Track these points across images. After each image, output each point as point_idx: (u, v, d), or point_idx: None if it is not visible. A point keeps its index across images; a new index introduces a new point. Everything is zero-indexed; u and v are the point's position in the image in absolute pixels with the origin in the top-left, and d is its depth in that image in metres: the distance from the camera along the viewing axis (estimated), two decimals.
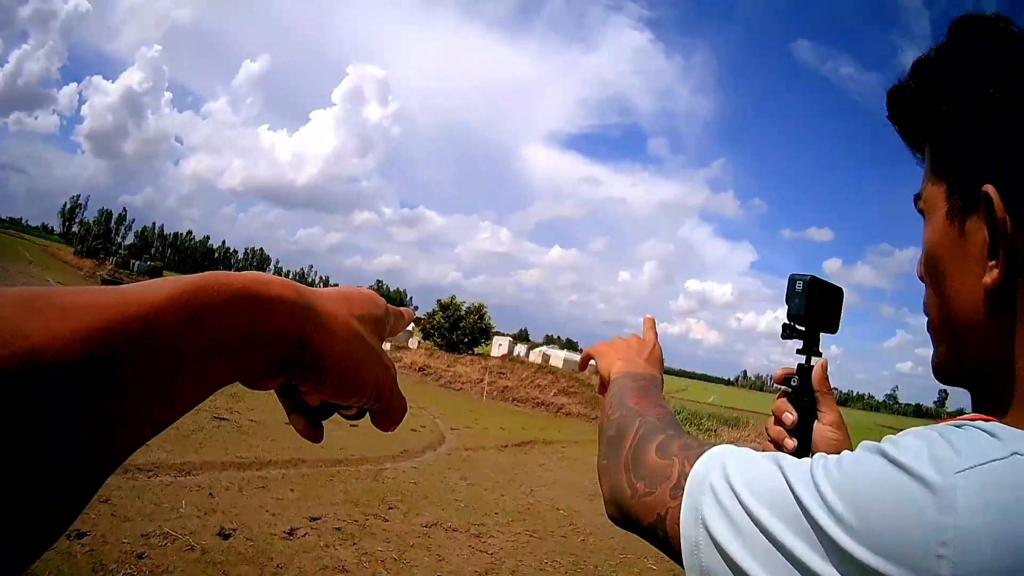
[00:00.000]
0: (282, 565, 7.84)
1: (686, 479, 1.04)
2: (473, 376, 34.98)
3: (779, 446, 1.56)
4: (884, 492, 0.79)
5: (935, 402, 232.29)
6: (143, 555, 7.41)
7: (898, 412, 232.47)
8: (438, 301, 44.23)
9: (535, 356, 42.58)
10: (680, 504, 1.01)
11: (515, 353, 43.15)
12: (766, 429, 1.65)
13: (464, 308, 43.55)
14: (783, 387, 1.63)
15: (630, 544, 10.95)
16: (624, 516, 1.18)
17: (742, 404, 53.83)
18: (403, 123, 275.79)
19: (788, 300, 1.55)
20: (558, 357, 41.51)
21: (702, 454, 1.07)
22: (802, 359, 1.59)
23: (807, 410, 1.56)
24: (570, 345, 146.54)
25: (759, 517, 0.87)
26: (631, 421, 1.32)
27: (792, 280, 1.54)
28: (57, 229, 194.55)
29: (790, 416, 1.55)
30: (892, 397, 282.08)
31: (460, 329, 42.08)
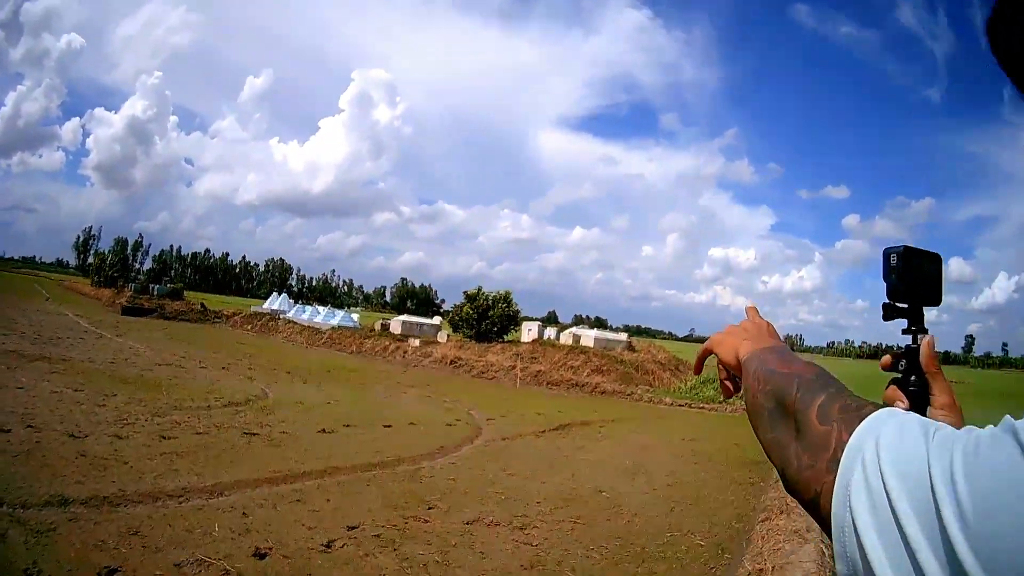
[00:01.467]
0: None
1: (843, 450, 0.93)
2: (505, 364, 34.77)
3: None
4: (1015, 499, 0.67)
5: (962, 347, 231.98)
6: None
7: None
8: (465, 293, 43.99)
9: (565, 338, 41.96)
10: (834, 479, 0.91)
11: (545, 336, 42.57)
12: None
13: (491, 297, 43.17)
14: (891, 373, 1.41)
15: (675, 521, 10.84)
16: (791, 491, 1.08)
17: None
18: (413, 122, 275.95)
19: (886, 277, 1.37)
20: (588, 336, 40.90)
21: (862, 419, 0.95)
22: (907, 339, 1.38)
23: (918, 395, 1.34)
24: (599, 323, 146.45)
25: (896, 502, 0.78)
26: (787, 384, 1.22)
27: (886, 255, 1.36)
28: (72, 263, 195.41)
29: (902, 405, 1.31)
30: None
31: (488, 318, 41.72)
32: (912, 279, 1.36)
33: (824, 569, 8.49)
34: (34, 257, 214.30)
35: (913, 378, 1.34)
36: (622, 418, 23.27)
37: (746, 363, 1.46)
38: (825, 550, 8.92)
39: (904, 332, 1.37)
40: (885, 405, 1.10)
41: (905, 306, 1.37)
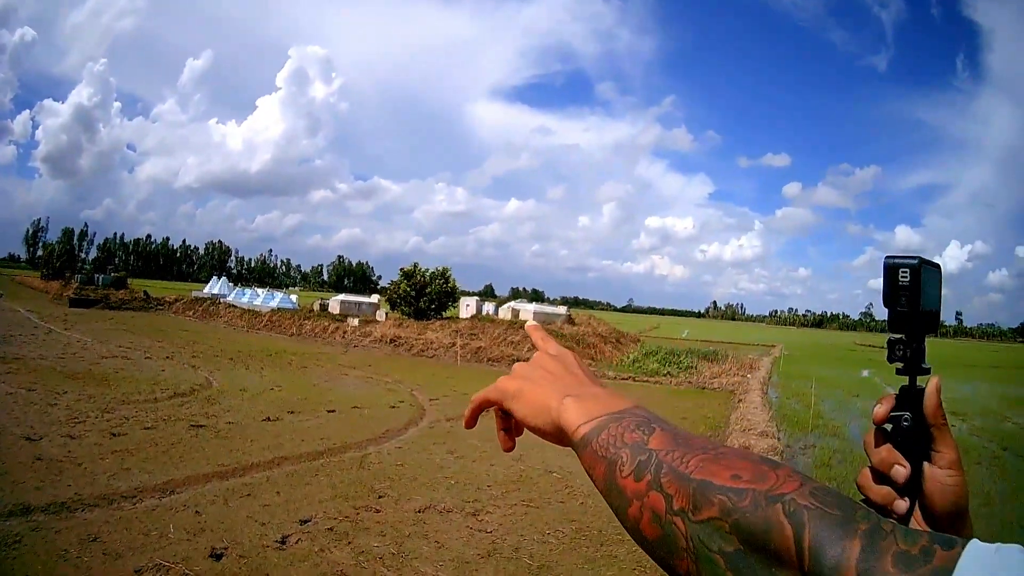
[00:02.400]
0: None
1: None
2: (445, 341, 34.71)
3: (882, 509, 1.02)
4: None
5: None
6: None
7: (875, 329, 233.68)
8: (401, 269, 43.88)
9: (504, 312, 42.21)
10: None
11: (484, 312, 42.98)
12: (858, 484, 1.08)
13: (428, 273, 43.04)
14: (885, 426, 1.06)
15: None
16: None
17: (716, 336, 53.80)
18: (349, 98, 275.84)
19: (890, 299, 1.00)
20: (527, 311, 41.37)
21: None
22: (902, 381, 1.03)
23: (917, 451, 1.03)
24: (536, 296, 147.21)
25: None
26: (763, 512, 0.76)
27: (891, 270, 0.98)
28: (24, 256, 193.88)
29: (903, 471, 1.01)
30: (868, 315, 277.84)
31: (427, 295, 41.65)
32: (921, 302, 0.99)
33: None
34: None
35: (906, 426, 1.02)
36: None
37: (589, 442, 1.10)
38: None
39: (900, 371, 1.02)
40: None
41: (905, 336, 1.02)
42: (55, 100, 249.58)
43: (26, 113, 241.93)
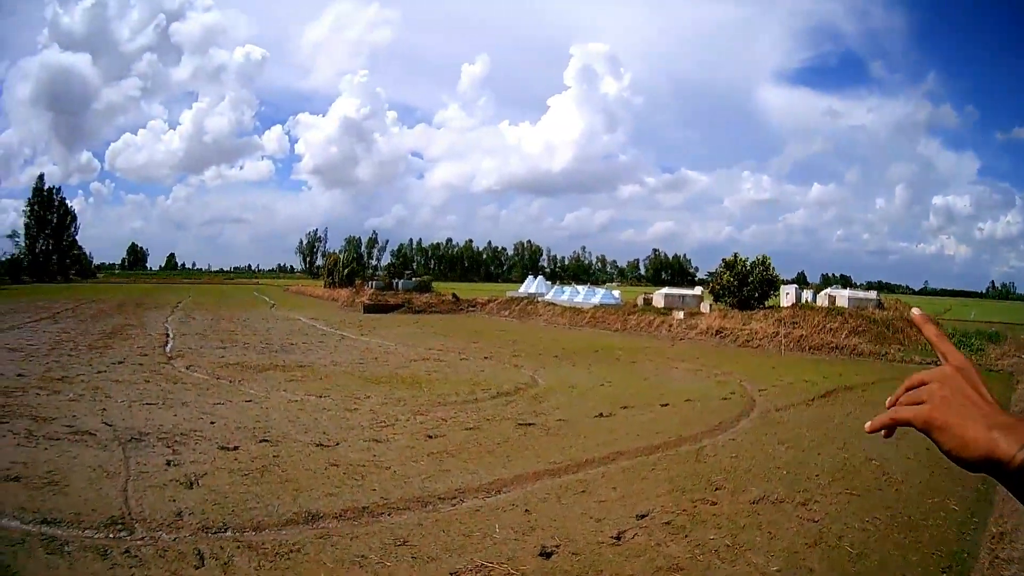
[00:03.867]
0: None
1: None
2: (768, 331, 34.03)
3: None
4: None
5: None
6: None
7: None
8: (723, 260, 42.54)
9: (821, 299, 40.76)
10: None
11: (802, 300, 41.47)
12: None
13: (748, 263, 41.58)
14: None
15: (935, 487, 10.53)
16: None
17: (998, 316, 50.40)
18: (642, 91, 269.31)
19: None
20: (843, 297, 39.87)
21: None
22: None
23: None
24: (845, 281, 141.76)
25: None
26: None
27: None
28: (297, 267, 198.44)
29: None
30: None
31: (748, 284, 40.30)
32: None
33: None
34: (248, 266, 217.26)
35: None
36: (880, 380, 22.28)
37: None
38: None
39: None
40: None
41: None
42: (311, 114, 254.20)
43: (277, 128, 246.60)
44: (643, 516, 8.93)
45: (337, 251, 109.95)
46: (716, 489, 10.17)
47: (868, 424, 1.55)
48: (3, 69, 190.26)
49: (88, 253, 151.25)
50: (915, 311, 1.64)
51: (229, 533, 8.03)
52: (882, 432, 1.47)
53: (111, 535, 7.80)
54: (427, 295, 60.52)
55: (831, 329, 32.80)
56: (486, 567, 7.38)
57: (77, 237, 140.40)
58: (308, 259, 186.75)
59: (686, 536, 8.31)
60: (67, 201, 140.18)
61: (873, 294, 41.88)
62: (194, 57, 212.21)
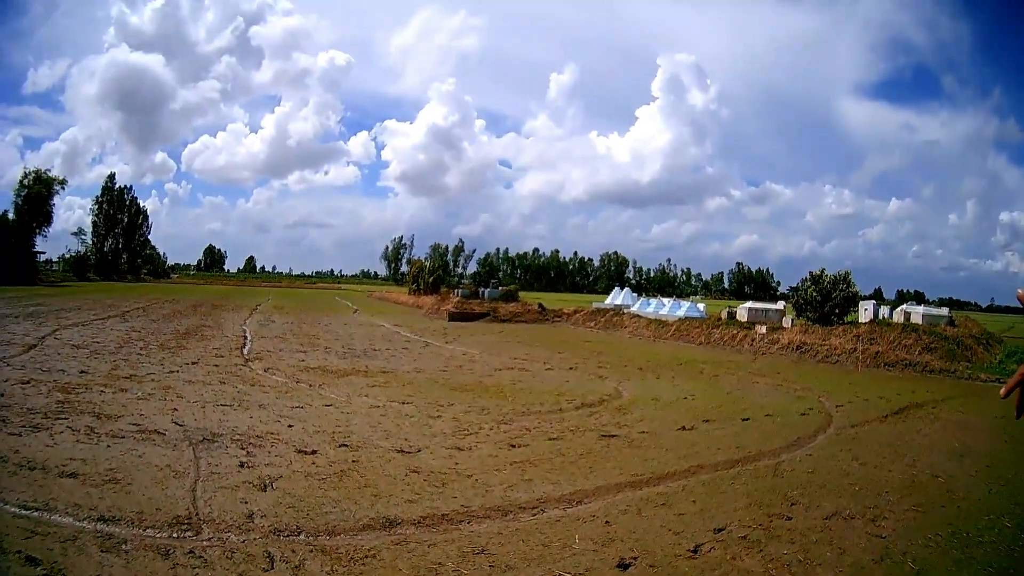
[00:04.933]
0: None
1: None
2: (847, 346, 33.81)
3: None
4: None
5: None
6: None
7: None
8: (810, 273, 42.04)
9: (897, 315, 40.37)
10: None
11: (880, 316, 40.95)
12: None
13: (830, 278, 40.90)
14: None
15: (992, 503, 10.66)
16: None
17: None
18: (728, 103, 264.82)
19: None
20: (917, 313, 39.37)
21: None
22: None
23: None
24: (918, 298, 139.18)
25: None
26: None
27: None
28: (382, 273, 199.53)
29: None
30: None
31: (831, 300, 39.68)
32: None
33: None
34: (331, 270, 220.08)
35: None
36: (949, 398, 22.20)
37: None
38: None
39: None
40: None
41: None
42: (399, 120, 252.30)
43: (363, 134, 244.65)
44: (720, 530, 9.00)
45: (423, 258, 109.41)
46: (792, 504, 10.24)
47: (1002, 389, 2.11)
48: (65, 67, 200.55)
49: (162, 253, 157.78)
50: (1020, 291, 2.10)
51: (302, 536, 8.02)
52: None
53: (175, 535, 7.78)
54: (513, 304, 60.00)
55: (905, 345, 32.64)
56: None
57: (150, 237, 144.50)
58: (393, 265, 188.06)
59: (760, 551, 8.41)
60: (139, 200, 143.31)
61: (945, 311, 41.41)
62: (275, 61, 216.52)
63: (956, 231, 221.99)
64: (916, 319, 37.80)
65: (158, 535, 7.71)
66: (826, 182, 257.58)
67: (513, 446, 12.99)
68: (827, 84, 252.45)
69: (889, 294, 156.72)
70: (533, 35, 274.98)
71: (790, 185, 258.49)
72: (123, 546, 7.33)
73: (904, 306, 42.95)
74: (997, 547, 8.98)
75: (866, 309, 40.45)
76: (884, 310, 42.32)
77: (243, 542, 7.70)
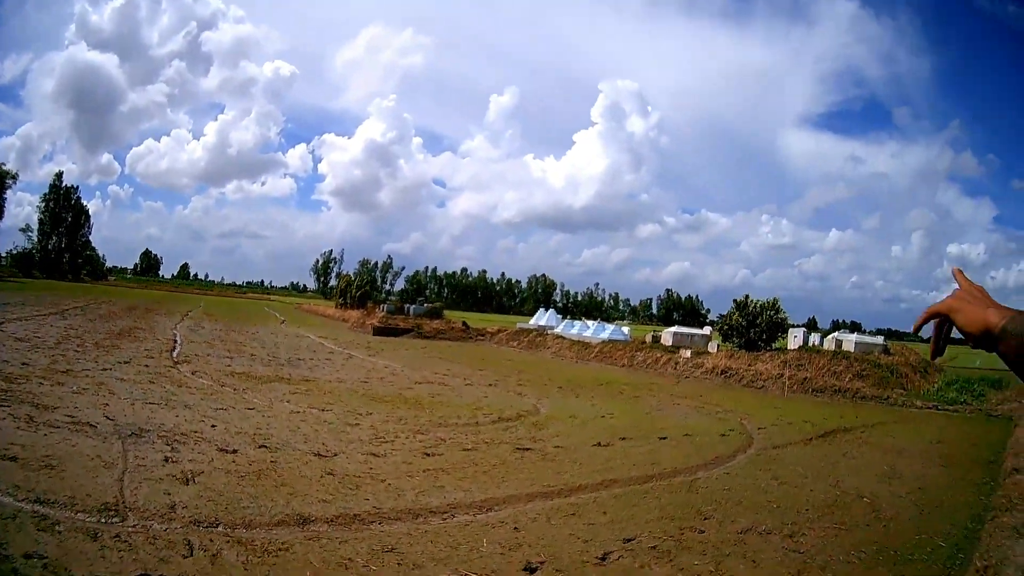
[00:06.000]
0: None
1: None
2: (773, 372, 33.93)
3: None
4: None
5: None
6: None
7: None
8: (734, 301, 42.63)
9: (828, 343, 40.50)
10: None
11: (810, 343, 41.15)
12: None
13: (759, 304, 41.59)
14: None
15: (923, 524, 10.60)
16: None
17: (1002, 364, 50.33)
18: (668, 131, 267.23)
19: None
20: (849, 341, 39.56)
21: None
22: None
23: None
24: (854, 327, 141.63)
25: None
26: None
27: None
28: (311, 286, 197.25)
29: None
30: None
31: (757, 326, 40.32)
32: None
33: None
34: (262, 281, 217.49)
35: None
36: (879, 423, 22.37)
37: (1012, 329, 1.80)
38: None
39: None
40: None
41: None
42: (337, 135, 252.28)
43: (302, 147, 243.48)
44: (630, 540, 8.94)
45: (351, 273, 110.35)
46: (705, 518, 10.18)
47: (913, 325, 2.21)
48: (27, 61, 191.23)
49: (101, 255, 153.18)
50: (954, 268, 2.19)
51: (220, 528, 8.18)
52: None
53: (103, 520, 7.98)
54: (438, 321, 60.76)
55: (835, 372, 32.77)
56: None
57: (90, 238, 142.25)
58: (322, 279, 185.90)
59: (671, 560, 8.34)
60: (83, 201, 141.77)
61: (880, 339, 41.60)
62: (223, 68, 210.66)
63: (899, 263, 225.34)
64: (848, 347, 37.98)
65: (88, 519, 8.00)
66: (764, 212, 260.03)
67: (428, 454, 13.16)
68: (772, 115, 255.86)
69: (824, 324, 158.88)
70: (478, 57, 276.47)
71: (727, 214, 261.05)
72: (57, 527, 7.63)
73: (836, 334, 43.58)
74: (930, 565, 8.95)
75: (795, 336, 40.94)
76: (815, 337, 42.70)
77: (165, 530, 7.99)
